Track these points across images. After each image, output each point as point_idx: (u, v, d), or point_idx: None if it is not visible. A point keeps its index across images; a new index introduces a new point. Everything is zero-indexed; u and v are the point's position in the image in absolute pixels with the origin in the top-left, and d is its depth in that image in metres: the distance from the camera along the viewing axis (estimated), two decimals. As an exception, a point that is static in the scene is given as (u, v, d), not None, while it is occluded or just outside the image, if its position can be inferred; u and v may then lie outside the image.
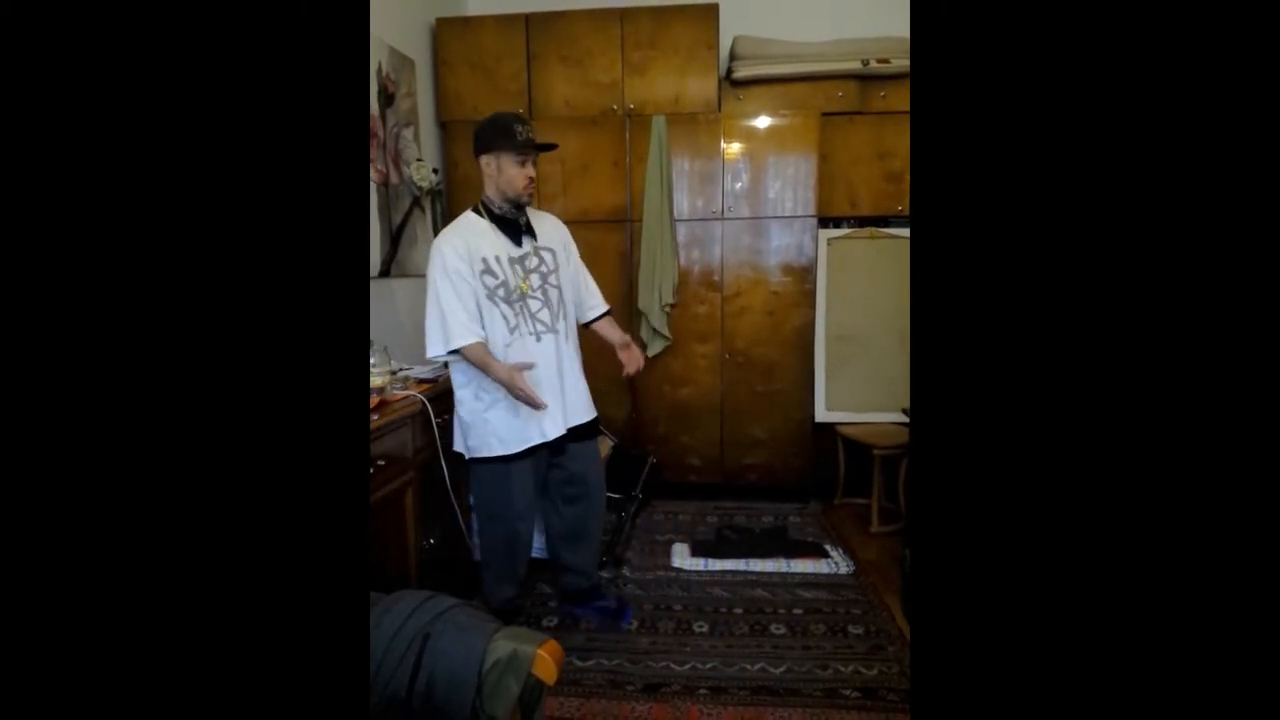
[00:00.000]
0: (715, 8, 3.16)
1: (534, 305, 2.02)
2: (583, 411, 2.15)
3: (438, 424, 2.11)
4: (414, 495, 2.04)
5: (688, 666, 2.06)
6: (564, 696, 1.91)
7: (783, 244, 3.27)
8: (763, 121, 3.22)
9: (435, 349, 1.98)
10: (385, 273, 2.78)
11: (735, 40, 3.35)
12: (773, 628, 2.27)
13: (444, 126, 3.36)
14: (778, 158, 3.22)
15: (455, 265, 1.95)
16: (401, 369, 2.25)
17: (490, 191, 2.01)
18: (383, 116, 2.77)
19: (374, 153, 2.71)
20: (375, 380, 1.98)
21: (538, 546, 2.61)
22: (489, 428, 2.04)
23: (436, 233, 3.20)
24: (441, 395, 2.20)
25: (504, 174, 1.96)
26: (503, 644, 1.20)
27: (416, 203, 3.04)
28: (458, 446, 2.15)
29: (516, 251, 2.01)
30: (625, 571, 2.69)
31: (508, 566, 2.18)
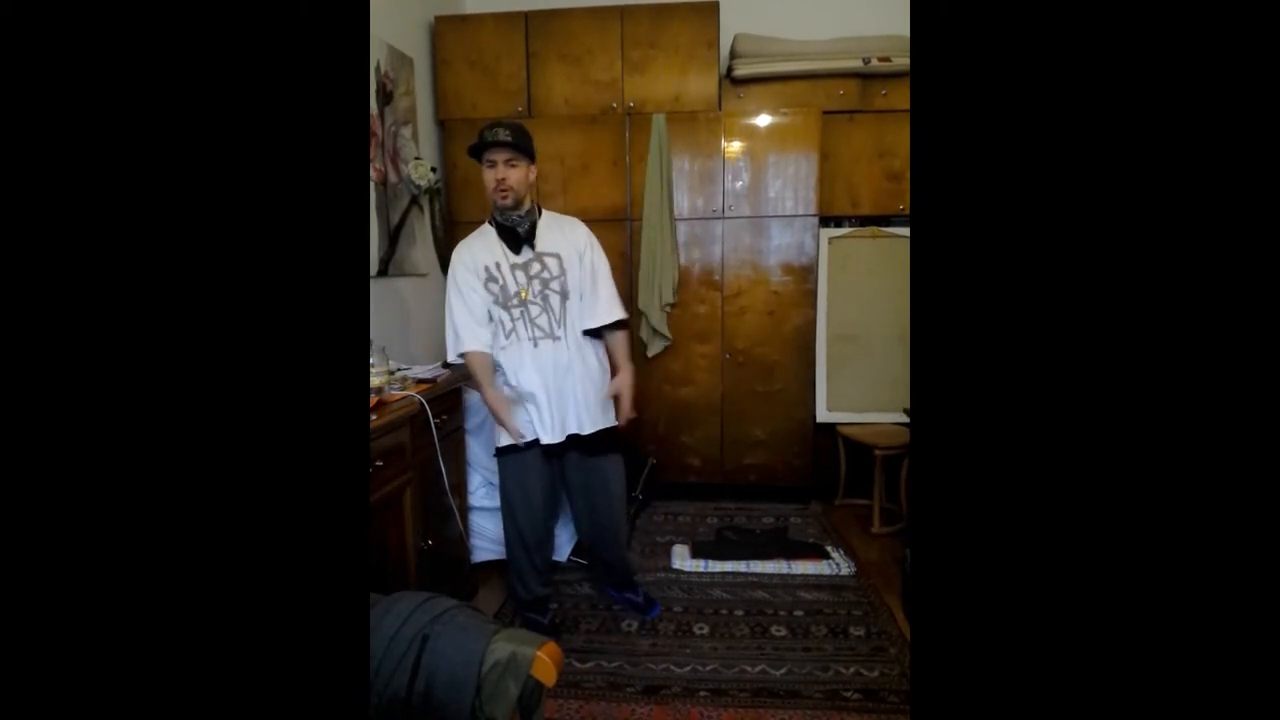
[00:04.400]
0: (715, 5, 3.15)
1: (534, 311, 2.07)
2: (586, 423, 2.14)
3: (436, 424, 2.11)
4: (412, 496, 2.03)
5: (688, 668, 2.05)
6: (563, 698, 1.90)
7: (783, 243, 3.26)
8: (763, 120, 3.21)
9: (450, 354, 2.12)
10: (384, 272, 2.77)
11: (736, 38, 3.34)
12: (773, 629, 2.27)
13: (443, 125, 3.35)
14: (778, 156, 3.21)
15: (462, 276, 2.08)
16: (400, 369, 2.24)
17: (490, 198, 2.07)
18: (381, 115, 2.76)
19: (372, 151, 2.70)
20: (373, 380, 1.97)
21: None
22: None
23: (435, 232, 3.21)
24: (440, 396, 2.19)
25: (483, 180, 2.04)
26: (502, 645, 1.19)
27: (415, 202, 3.03)
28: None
29: (518, 258, 2.07)
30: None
31: (522, 559, 2.22)
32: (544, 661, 1.17)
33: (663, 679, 2.00)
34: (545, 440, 2.11)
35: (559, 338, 2.08)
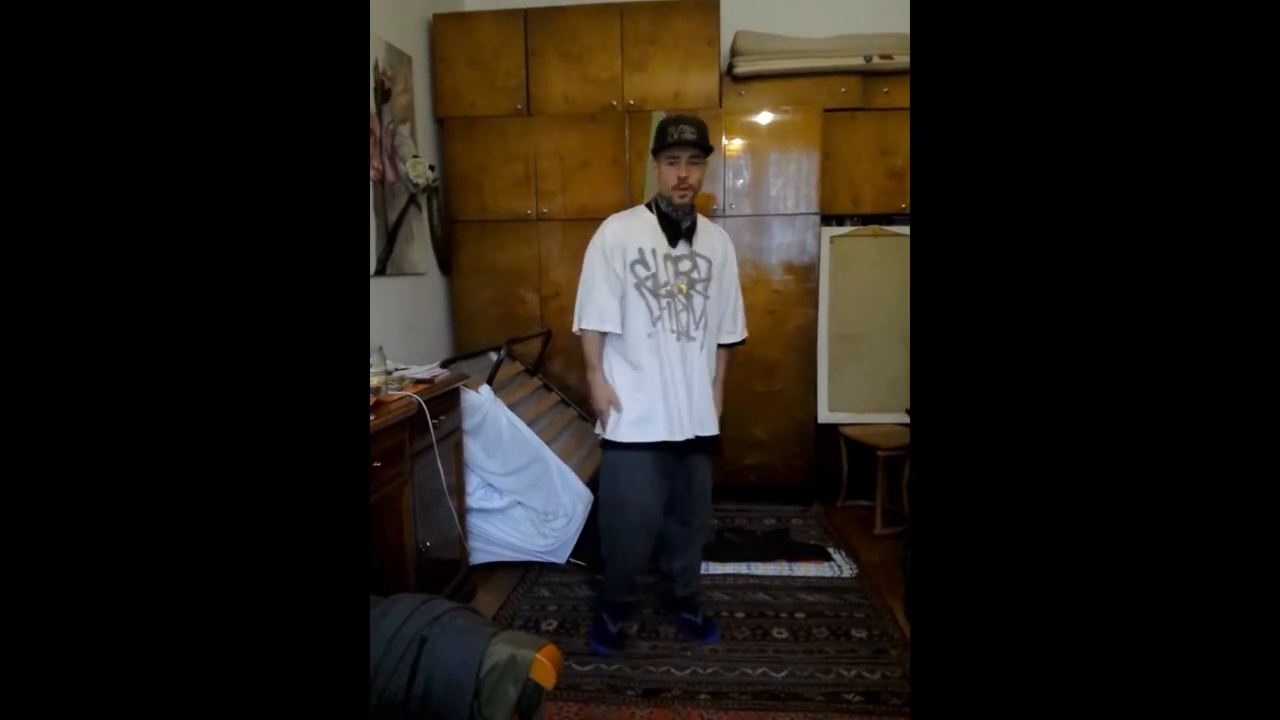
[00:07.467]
0: (716, 2, 3.13)
1: (677, 305, 2.03)
2: (707, 425, 2.11)
3: (434, 424, 2.09)
4: (410, 497, 2.01)
5: (688, 671, 2.03)
6: (562, 701, 1.89)
7: (784, 242, 3.25)
8: (764, 118, 3.20)
9: (576, 324, 2.09)
10: (381, 271, 2.75)
11: (736, 35, 3.32)
12: (774, 631, 2.25)
13: (441, 123, 3.34)
14: (779, 154, 3.20)
15: (608, 252, 2.03)
16: (398, 369, 2.22)
17: (661, 191, 2.06)
18: (379, 113, 2.75)
19: (370, 150, 2.68)
20: (371, 380, 1.95)
21: (541, 549, 2.60)
22: (618, 411, 2.08)
23: (433, 230, 3.19)
24: (438, 396, 2.17)
25: (660, 174, 2.03)
26: (501, 648, 1.19)
27: (413, 200, 3.01)
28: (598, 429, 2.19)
29: (673, 251, 2.04)
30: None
31: (619, 560, 2.16)
32: (543, 664, 1.17)
33: (663, 682, 1.98)
34: (676, 437, 2.04)
35: (694, 339, 2.05)
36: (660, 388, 2.04)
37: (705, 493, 2.19)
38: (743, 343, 2.25)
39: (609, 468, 2.13)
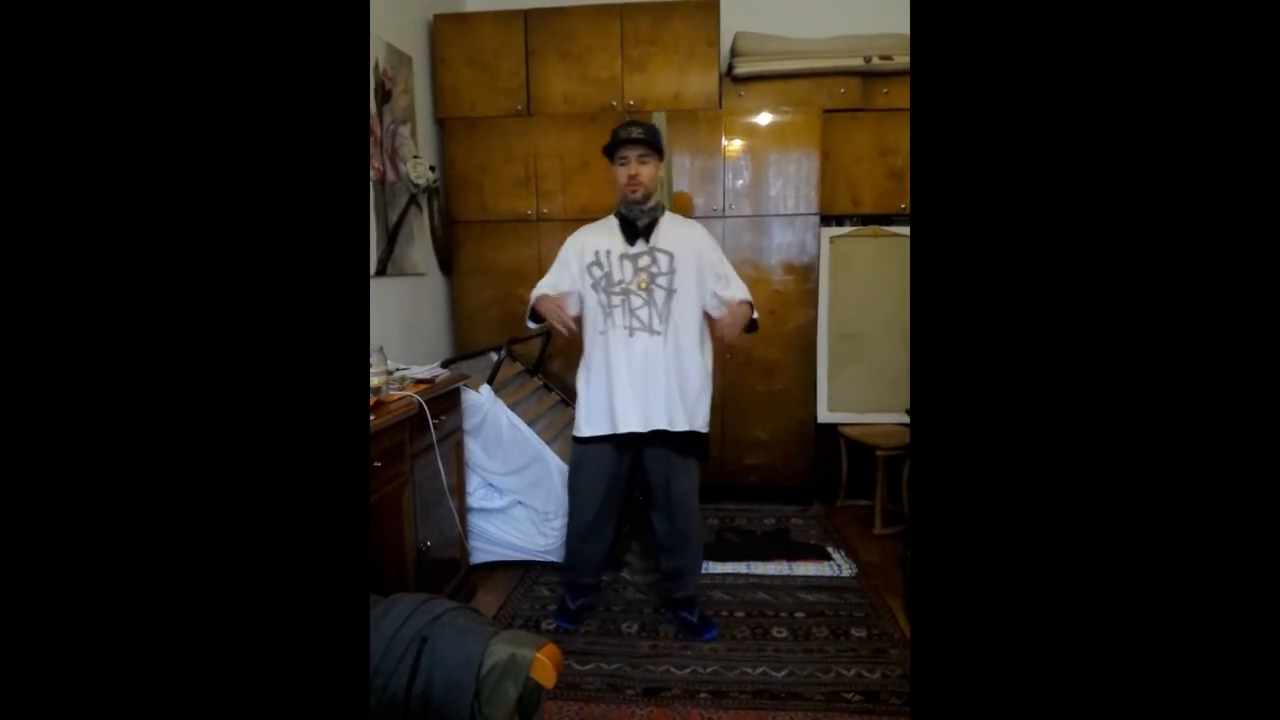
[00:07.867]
0: (716, 3, 3.13)
1: (636, 302, 2.10)
2: (668, 420, 2.10)
3: (434, 424, 2.09)
4: (410, 497, 2.01)
5: (688, 670, 2.03)
6: (563, 700, 1.89)
7: (784, 242, 3.25)
8: (764, 118, 3.20)
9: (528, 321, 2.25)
10: (382, 271, 2.75)
11: (736, 36, 3.32)
12: (774, 631, 2.25)
13: (441, 124, 3.34)
14: (779, 155, 3.19)
15: (567, 253, 2.19)
16: (398, 369, 2.22)
17: (617, 192, 2.18)
18: (379, 114, 2.75)
19: (370, 150, 2.68)
20: (371, 381, 1.95)
21: (542, 549, 2.60)
22: (579, 407, 2.22)
23: (433, 231, 3.19)
24: (439, 396, 2.17)
25: (614, 175, 2.16)
26: (501, 647, 1.19)
27: (413, 201, 3.01)
28: None
29: (630, 249, 2.12)
30: (625, 574, 2.66)
31: (575, 543, 2.31)
32: (543, 663, 1.16)
33: (663, 681, 1.98)
34: (625, 429, 2.10)
35: (658, 333, 2.08)
36: (605, 383, 2.12)
37: (684, 491, 2.18)
38: (750, 305, 2.11)
39: (570, 461, 2.28)
